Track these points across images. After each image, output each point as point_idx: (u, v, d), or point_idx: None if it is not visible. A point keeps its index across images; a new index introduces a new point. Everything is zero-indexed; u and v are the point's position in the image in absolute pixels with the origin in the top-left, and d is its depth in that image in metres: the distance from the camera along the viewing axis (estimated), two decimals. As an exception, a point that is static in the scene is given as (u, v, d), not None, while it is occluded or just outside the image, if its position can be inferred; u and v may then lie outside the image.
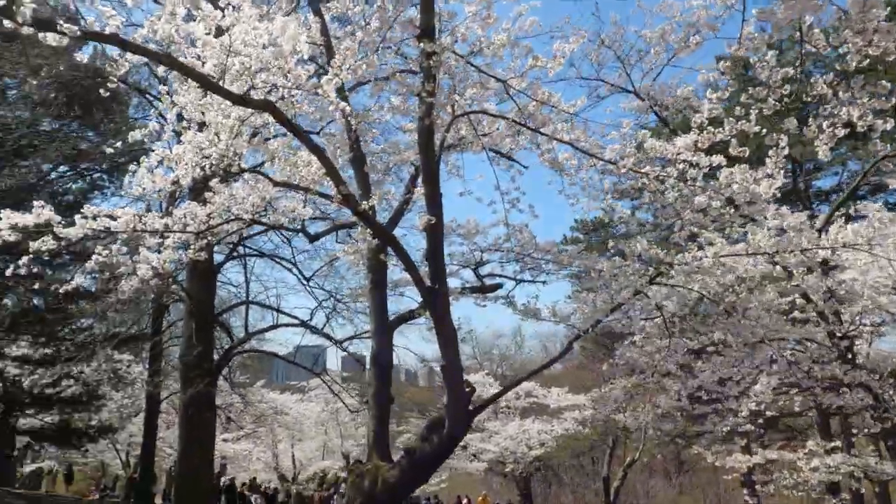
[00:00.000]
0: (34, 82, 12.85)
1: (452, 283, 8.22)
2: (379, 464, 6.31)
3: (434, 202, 5.63)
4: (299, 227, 7.25)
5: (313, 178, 5.79)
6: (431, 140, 5.56)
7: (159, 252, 7.29)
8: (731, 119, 5.50)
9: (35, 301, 19.96)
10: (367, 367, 6.98)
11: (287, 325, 14.03)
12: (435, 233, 5.65)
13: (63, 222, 6.38)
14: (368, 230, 6.91)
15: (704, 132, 5.82)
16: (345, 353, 13.79)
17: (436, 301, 5.74)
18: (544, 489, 32.24)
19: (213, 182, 5.93)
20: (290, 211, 7.55)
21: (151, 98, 14.19)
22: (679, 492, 27.16)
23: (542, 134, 6.28)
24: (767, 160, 5.68)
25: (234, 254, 13.89)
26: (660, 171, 6.64)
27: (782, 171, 5.72)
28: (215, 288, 13.50)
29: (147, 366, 20.77)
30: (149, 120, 13.26)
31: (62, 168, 18.99)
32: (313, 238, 7.52)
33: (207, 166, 6.40)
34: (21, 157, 14.83)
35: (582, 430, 25.35)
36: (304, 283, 13.47)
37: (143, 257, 7.17)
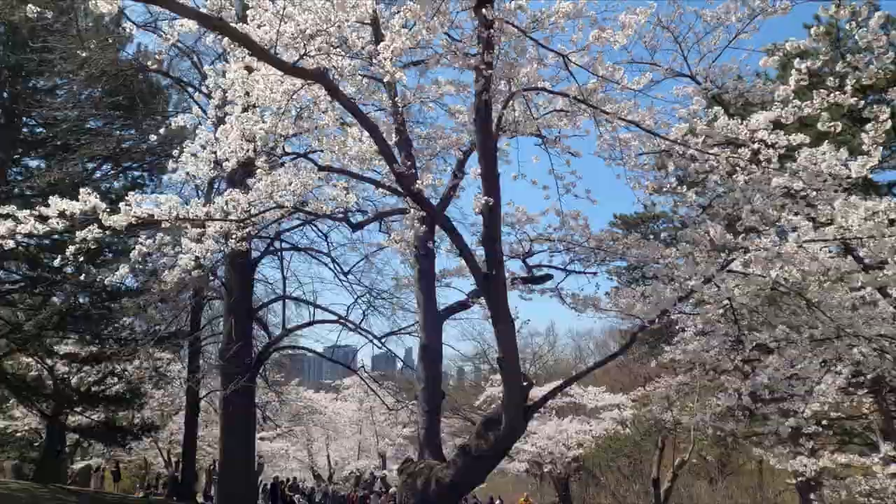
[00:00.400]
0: (81, 74, 12.95)
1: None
2: (432, 463, 5.97)
3: (491, 182, 5.27)
4: (341, 215, 6.97)
5: (361, 159, 5.49)
6: (489, 116, 5.20)
7: (200, 242, 7.13)
8: (821, 91, 4.99)
9: (81, 299, 20.45)
10: (416, 360, 6.65)
11: (324, 321, 13.86)
12: (492, 215, 5.29)
13: (108, 209, 6.25)
14: (416, 217, 6.59)
15: (789, 106, 5.31)
16: (381, 349, 13.53)
17: (492, 288, 5.37)
18: (582, 491, 31.45)
19: (259, 162, 5.67)
20: (332, 199, 7.30)
21: (192, 91, 14.20)
22: (727, 495, 26.07)
23: (605, 112, 5.86)
24: (864, 135, 5.13)
25: (272, 248, 13.76)
26: (729, 153, 6.14)
27: (879, 149, 5.15)
28: (253, 283, 13.41)
29: (186, 363, 20.94)
30: (189, 113, 13.32)
31: (105, 166, 19.33)
32: (356, 227, 7.24)
33: (252, 149, 6.20)
34: (68, 151, 15.04)
35: (621, 430, 24.60)
36: (343, 276, 13.26)
37: (186, 247, 7.01)
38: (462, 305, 7.01)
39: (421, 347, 6.52)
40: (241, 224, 7.12)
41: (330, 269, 13.60)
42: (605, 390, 30.58)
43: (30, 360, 22.77)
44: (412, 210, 6.53)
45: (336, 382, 33.48)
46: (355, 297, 13.93)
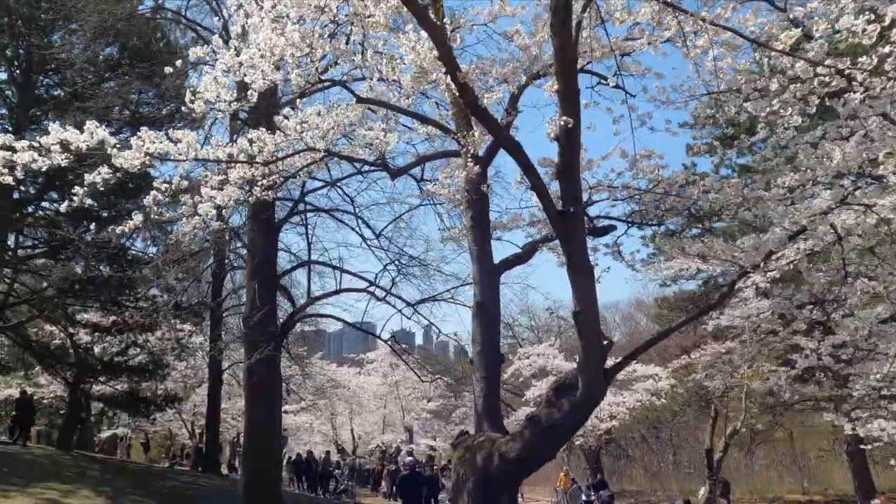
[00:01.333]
0: (94, 30, 12.08)
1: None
2: (493, 435, 5.16)
3: (570, 99, 4.33)
4: (380, 161, 6.11)
5: (413, 79, 4.58)
6: (569, 15, 4.24)
7: (221, 190, 6.32)
8: None
9: (101, 267, 20.14)
10: (471, 320, 5.80)
11: (350, 290, 13.05)
12: (570, 139, 4.36)
13: (119, 145, 5.46)
14: (470, 155, 5.69)
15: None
16: (410, 318, 12.64)
17: (569, 229, 4.48)
18: (612, 464, 30.81)
19: (293, 84, 4.81)
20: (368, 144, 6.42)
21: (208, 34, 13.23)
22: (766, 464, 25.24)
23: (701, 20, 4.86)
24: None
25: (296, 210, 12.91)
26: (848, 66, 5.12)
27: None
28: (277, 246, 12.61)
29: (208, 334, 20.49)
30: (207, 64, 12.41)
31: (123, 132, 18.67)
32: (396, 173, 6.37)
33: (280, 78, 5.35)
34: (85, 113, 14.32)
35: (656, 401, 23.74)
36: (376, 237, 12.38)
37: (205, 195, 6.21)
38: (518, 259, 6.13)
39: (475, 305, 5.66)
40: (267, 169, 6.30)
41: (357, 233, 12.75)
42: (635, 361, 29.77)
43: (53, 328, 22.78)
44: (465, 148, 5.63)
45: (360, 356, 33.03)
46: (384, 264, 13.08)
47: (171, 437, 35.58)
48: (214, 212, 6.04)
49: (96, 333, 21.85)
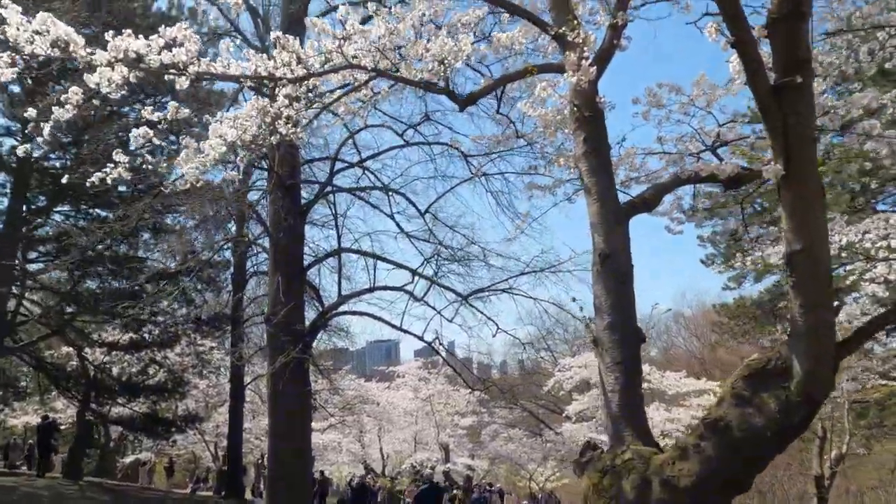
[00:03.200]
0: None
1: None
2: (642, 450, 3.38)
3: None
4: (443, 83, 4.51)
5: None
6: None
7: (233, 126, 4.73)
8: None
9: (116, 282, 19.16)
10: (592, 278, 4.03)
11: (387, 287, 11.31)
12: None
13: (91, 52, 3.89)
14: (581, 54, 3.99)
15: None
16: (451, 320, 10.79)
17: (787, 112, 2.74)
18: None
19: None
20: (429, 55, 4.79)
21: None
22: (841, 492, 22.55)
23: None
24: None
25: (323, 193, 11.19)
26: None
27: None
28: (303, 234, 10.86)
29: (229, 344, 19.06)
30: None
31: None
32: (466, 101, 4.74)
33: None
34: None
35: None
36: (419, 213, 10.61)
37: (213, 130, 4.63)
38: (644, 204, 4.37)
39: (599, 258, 3.89)
40: (296, 90, 4.70)
41: (393, 221, 11.07)
42: (685, 375, 27.54)
43: (69, 349, 21.80)
44: (572, 47, 3.96)
45: (390, 369, 31.30)
46: (425, 258, 11.31)
47: (196, 460, 34.15)
48: (224, 148, 4.44)
49: (114, 352, 20.85)
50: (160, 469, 31.98)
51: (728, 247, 17.95)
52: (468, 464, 26.46)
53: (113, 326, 21.05)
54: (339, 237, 11.28)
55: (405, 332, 10.36)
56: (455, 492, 22.35)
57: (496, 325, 10.45)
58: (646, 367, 26.48)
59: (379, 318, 10.56)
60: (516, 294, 10.52)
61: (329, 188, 11.12)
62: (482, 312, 10.36)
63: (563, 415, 28.12)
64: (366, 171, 11.22)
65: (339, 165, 10.89)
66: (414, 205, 10.91)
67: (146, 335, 19.99)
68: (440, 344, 10.58)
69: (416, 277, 10.64)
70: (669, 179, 4.61)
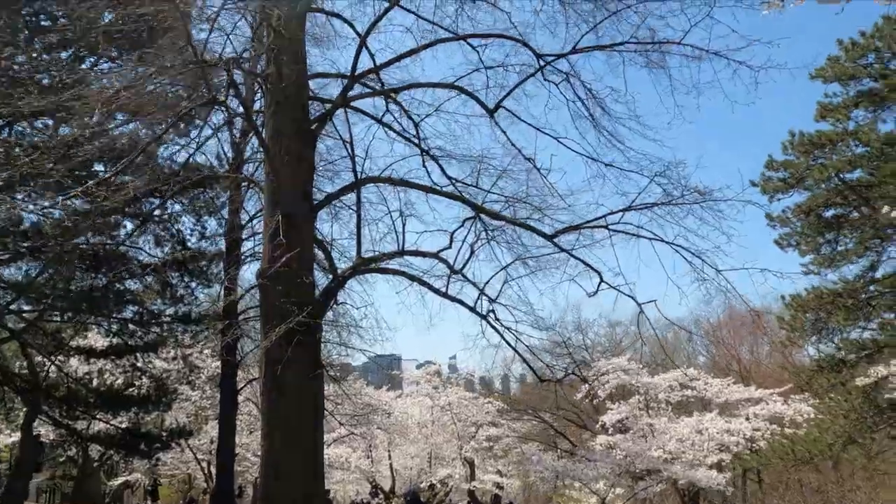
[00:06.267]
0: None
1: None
2: None
3: None
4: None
5: None
6: None
7: None
8: None
9: (97, 280, 16.85)
10: None
11: (418, 253, 8.24)
12: None
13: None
14: None
15: None
16: (567, 251, 7.27)
17: None
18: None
19: None
20: None
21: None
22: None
23: None
24: None
25: (334, 115, 8.13)
26: None
27: None
28: (313, 163, 7.61)
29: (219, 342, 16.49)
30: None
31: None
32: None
33: None
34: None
35: (787, 431, 18.48)
36: (488, 112, 7.39)
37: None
38: None
39: None
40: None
41: (430, 156, 8.05)
42: (732, 381, 24.68)
43: (40, 357, 19.20)
44: None
45: (402, 376, 28.41)
46: (463, 219, 8.25)
47: (191, 481, 31.16)
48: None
49: (92, 360, 18.28)
50: (165, 492, 29.23)
51: (808, 225, 15.35)
52: (496, 481, 23.44)
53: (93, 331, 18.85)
54: (354, 170, 8.01)
55: (453, 299, 7.30)
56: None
57: (599, 275, 7.13)
58: (692, 372, 23.60)
59: (418, 280, 7.40)
60: (635, 235, 7.09)
61: (357, 90, 7.68)
62: (580, 259, 6.90)
63: (598, 423, 25.23)
64: (389, 100, 8.27)
65: (362, 67, 7.64)
66: (478, 100, 7.63)
67: (127, 340, 17.66)
68: (496, 319, 7.55)
69: (469, 223, 7.52)
70: None
